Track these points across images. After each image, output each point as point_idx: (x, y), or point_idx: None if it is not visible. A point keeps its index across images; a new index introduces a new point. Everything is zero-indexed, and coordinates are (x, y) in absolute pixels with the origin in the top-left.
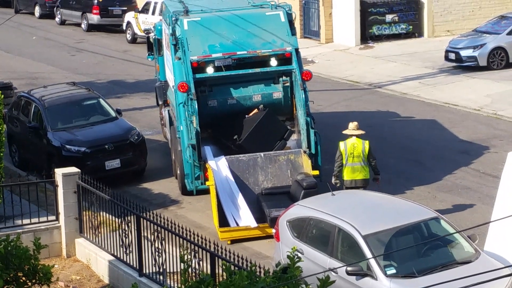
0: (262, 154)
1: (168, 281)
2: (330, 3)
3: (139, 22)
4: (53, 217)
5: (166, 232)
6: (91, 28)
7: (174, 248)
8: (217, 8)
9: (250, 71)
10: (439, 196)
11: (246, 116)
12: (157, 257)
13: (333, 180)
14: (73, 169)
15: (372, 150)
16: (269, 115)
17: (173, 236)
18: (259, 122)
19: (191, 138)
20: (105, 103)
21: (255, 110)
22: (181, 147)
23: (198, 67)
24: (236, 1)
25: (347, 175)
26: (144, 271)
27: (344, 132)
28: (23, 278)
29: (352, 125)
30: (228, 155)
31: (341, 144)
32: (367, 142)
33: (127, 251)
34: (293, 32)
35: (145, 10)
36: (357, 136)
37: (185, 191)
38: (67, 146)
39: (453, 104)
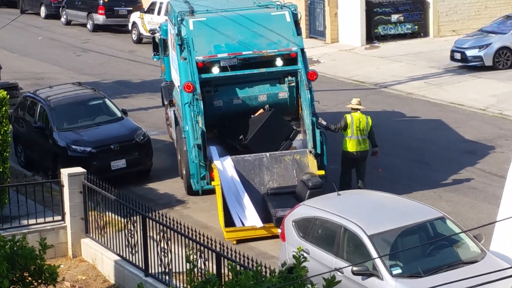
0: (267, 154)
1: (174, 281)
2: (335, 3)
3: (144, 22)
4: (59, 217)
5: (172, 232)
6: (97, 28)
7: (180, 248)
8: (223, 8)
9: (255, 71)
10: (445, 196)
11: (252, 116)
12: (163, 257)
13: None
14: (79, 169)
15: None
16: (275, 115)
17: (179, 236)
18: (265, 122)
19: (196, 138)
20: (111, 103)
21: (261, 110)
22: (187, 147)
23: (204, 67)
24: (241, 1)
25: (351, 147)
26: (150, 271)
27: (348, 106)
28: (29, 278)
29: (356, 100)
30: (233, 155)
31: (348, 117)
32: (369, 117)
33: (133, 251)
34: (299, 32)
35: (150, 10)
36: (361, 111)
37: (190, 191)
38: (73, 146)
39: (458, 104)
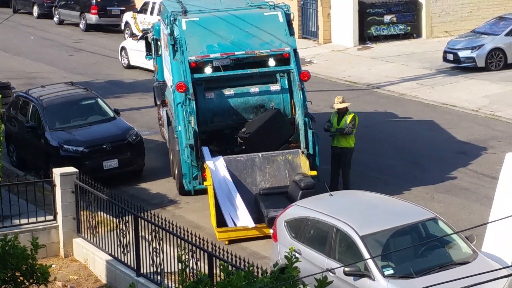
0: (260, 154)
1: (166, 281)
2: (328, 3)
3: (137, 22)
4: (51, 217)
5: (164, 232)
6: (90, 28)
7: (171, 248)
8: (216, 8)
9: (248, 71)
10: (437, 196)
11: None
12: (154, 257)
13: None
14: (71, 169)
15: None
16: (278, 115)
17: (171, 236)
18: (268, 119)
19: (189, 138)
20: (103, 103)
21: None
22: (179, 147)
23: (196, 67)
24: (234, 1)
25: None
26: (142, 271)
27: (346, 105)
28: (21, 278)
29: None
30: (227, 152)
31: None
32: None
33: (125, 251)
34: (291, 33)
35: (143, 10)
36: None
37: (183, 191)
38: (65, 146)
39: (451, 105)
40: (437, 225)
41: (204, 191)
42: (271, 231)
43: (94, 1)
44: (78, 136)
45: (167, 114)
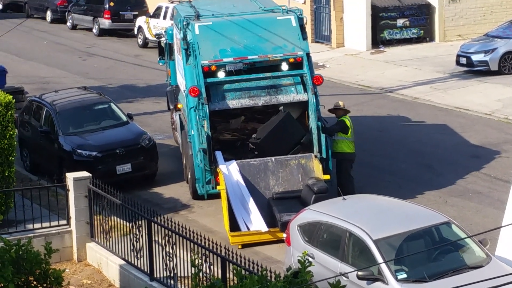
0: (273, 158)
1: (179, 286)
2: (341, 7)
3: (150, 26)
4: (64, 222)
5: (177, 236)
6: (103, 32)
7: (185, 253)
8: (228, 13)
9: (261, 75)
10: (450, 200)
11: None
12: (168, 262)
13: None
14: (84, 174)
15: None
16: (289, 117)
17: (184, 240)
18: (278, 123)
19: (202, 142)
20: (116, 107)
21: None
22: (192, 152)
23: (209, 72)
24: (247, 5)
25: (353, 148)
26: (155, 276)
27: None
28: (34, 283)
29: (342, 103)
30: (239, 159)
31: (347, 120)
32: None
33: (138, 256)
34: (304, 37)
35: (156, 14)
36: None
37: (196, 196)
38: (78, 151)
39: (464, 109)
40: (451, 229)
41: (217, 196)
42: (284, 235)
43: (107, 5)
44: (91, 140)
45: (180, 119)
